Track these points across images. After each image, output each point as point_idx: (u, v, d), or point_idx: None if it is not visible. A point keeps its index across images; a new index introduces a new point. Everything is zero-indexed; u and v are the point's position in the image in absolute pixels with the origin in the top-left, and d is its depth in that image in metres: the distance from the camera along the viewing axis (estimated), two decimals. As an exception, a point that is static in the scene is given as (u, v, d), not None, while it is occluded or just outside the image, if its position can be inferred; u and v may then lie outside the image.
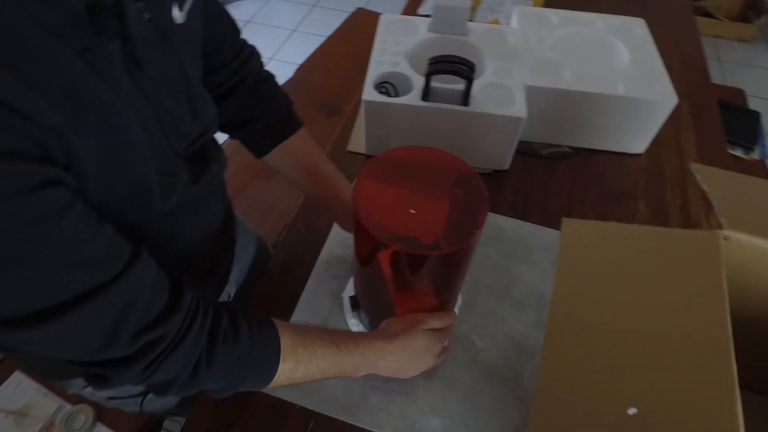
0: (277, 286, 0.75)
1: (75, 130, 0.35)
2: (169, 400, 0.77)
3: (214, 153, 0.57)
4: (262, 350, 0.48)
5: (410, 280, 0.59)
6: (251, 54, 0.65)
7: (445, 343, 0.62)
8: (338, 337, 0.53)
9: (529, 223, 0.84)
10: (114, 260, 0.38)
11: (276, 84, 0.69)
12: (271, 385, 0.50)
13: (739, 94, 1.80)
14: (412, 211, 0.60)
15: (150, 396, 0.72)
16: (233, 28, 0.62)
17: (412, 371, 0.59)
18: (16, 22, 0.31)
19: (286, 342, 0.49)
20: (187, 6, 0.45)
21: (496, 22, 1.24)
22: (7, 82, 0.30)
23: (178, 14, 0.44)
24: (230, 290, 0.84)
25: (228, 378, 0.47)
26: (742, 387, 0.37)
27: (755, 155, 1.58)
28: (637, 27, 1.00)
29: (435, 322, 0.59)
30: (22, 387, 0.99)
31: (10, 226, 0.32)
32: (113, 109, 0.39)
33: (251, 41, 0.66)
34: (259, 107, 0.66)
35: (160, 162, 0.46)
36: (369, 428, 0.62)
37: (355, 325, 0.70)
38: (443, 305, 0.64)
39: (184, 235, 0.57)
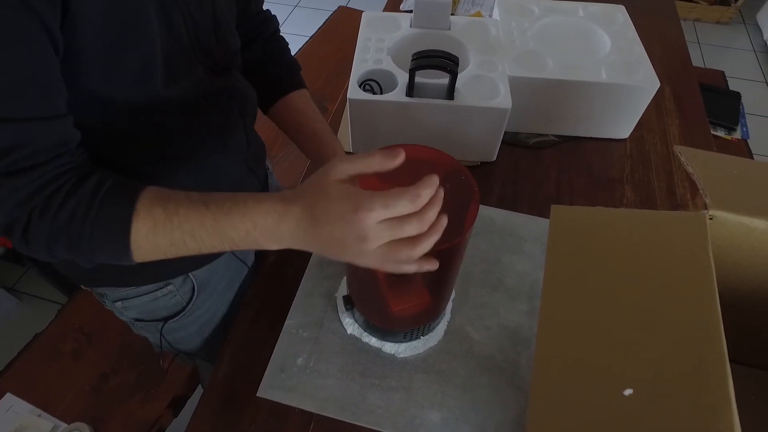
0: (269, 289, 0.75)
1: None
2: (189, 335, 0.80)
3: (239, 79, 0.64)
4: (108, 208, 0.43)
5: (403, 277, 0.59)
6: (272, 17, 0.75)
7: (409, 233, 0.40)
8: (212, 197, 0.44)
9: (518, 213, 0.85)
10: (38, 105, 0.41)
11: (288, 48, 0.77)
12: (136, 255, 0.44)
13: (720, 75, 1.82)
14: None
15: (170, 324, 0.76)
16: None
17: (343, 251, 0.41)
18: None
19: (143, 202, 0.43)
20: None
21: (479, 14, 1.24)
22: None
23: None
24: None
25: (70, 237, 0.43)
26: (731, 360, 0.37)
27: (737, 135, 1.60)
28: (618, 14, 1.00)
29: (380, 202, 0.38)
30: (14, 409, 0.97)
31: None
32: None
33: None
34: (272, 60, 0.74)
35: (171, 48, 0.50)
36: (370, 426, 0.62)
37: (350, 324, 0.70)
38: (437, 301, 0.65)
39: (202, 147, 0.60)
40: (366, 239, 0.39)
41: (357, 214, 0.38)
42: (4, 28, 0.37)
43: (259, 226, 0.42)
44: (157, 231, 0.43)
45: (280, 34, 0.77)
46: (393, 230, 0.39)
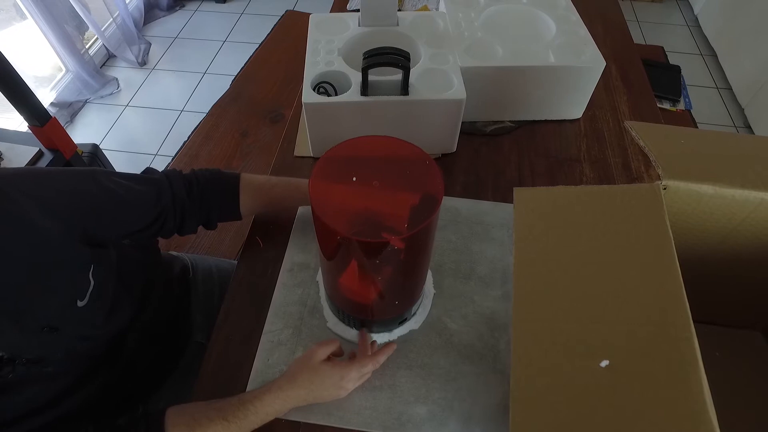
0: (243, 302, 0.74)
1: None
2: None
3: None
4: None
5: (376, 268, 0.59)
6: (171, 185, 0.69)
7: (365, 374, 0.63)
8: (228, 410, 0.57)
9: (483, 201, 0.86)
10: None
11: (194, 176, 0.72)
12: None
13: (660, 51, 1.90)
14: (370, 201, 0.60)
15: None
16: (152, 196, 0.66)
17: (329, 397, 0.61)
18: None
19: None
20: (88, 292, 0.55)
21: (425, 8, 1.25)
22: None
23: (80, 303, 0.55)
24: (200, 338, 0.84)
25: None
26: (694, 320, 0.39)
27: (681, 106, 1.68)
28: (559, -2, 1.03)
29: (350, 371, 0.60)
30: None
31: None
32: None
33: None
34: (204, 205, 0.71)
35: None
36: (358, 428, 0.62)
37: (331, 317, 0.69)
38: (412, 290, 0.65)
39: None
40: (347, 390, 0.62)
41: (342, 381, 0.60)
42: None
43: (270, 414, 0.58)
44: None
45: (192, 184, 0.72)
46: (361, 378, 0.63)
